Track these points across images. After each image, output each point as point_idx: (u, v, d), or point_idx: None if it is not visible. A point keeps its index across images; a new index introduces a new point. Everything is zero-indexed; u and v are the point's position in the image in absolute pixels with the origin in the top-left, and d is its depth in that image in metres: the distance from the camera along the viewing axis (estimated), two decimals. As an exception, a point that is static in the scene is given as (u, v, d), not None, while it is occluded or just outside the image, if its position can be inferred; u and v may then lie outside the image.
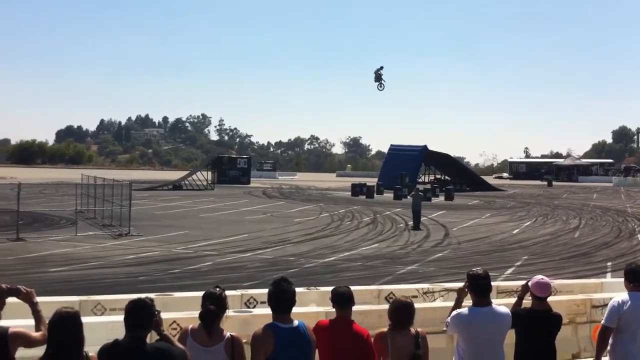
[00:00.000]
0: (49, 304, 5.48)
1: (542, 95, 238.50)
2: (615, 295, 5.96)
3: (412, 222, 27.03)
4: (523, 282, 5.90)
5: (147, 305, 4.16)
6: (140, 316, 4.10)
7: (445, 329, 5.38)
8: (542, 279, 5.58)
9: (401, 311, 4.96)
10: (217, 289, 4.63)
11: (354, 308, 5.13)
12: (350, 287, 5.25)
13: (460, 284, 5.56)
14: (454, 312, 5.20)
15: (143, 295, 4.37)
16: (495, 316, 5.15)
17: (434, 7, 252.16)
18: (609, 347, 5.71)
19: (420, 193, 29.49)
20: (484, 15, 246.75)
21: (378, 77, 40.76)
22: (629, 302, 5.63)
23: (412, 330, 4.97)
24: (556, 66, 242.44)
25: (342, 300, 5.01)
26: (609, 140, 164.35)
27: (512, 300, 6.13)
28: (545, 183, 76.50)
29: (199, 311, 4.53)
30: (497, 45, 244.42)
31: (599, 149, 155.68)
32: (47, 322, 3.98)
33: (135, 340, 4.04)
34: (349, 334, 4.87)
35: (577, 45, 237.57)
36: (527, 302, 5.69)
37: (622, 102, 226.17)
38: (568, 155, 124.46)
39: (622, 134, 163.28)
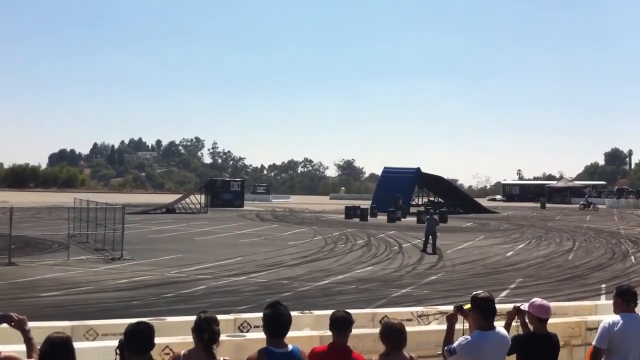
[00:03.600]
0: (41, 329, 5.43)
1: (535, 118, 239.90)
2: (608, 317, 5.95)
3: (430, 245, 26.23)
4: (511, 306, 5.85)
5: (149, 327, 4.16)
6: (144, 339, 4.12)
7: (440, 352, 5.32)
8: (542, 301, 5.53)
9: (396, 335, 4.94)
10: (206, 312, 4.61)
11: (348, 332, 5.10)
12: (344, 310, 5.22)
13: (451, 308, 5.51)
14: (463, 340, 5.04)
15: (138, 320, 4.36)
16: (500, 339, 5.14)
17: (425, 28, 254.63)
18: None
19: (435, 217, 28.91)
20: (476, 36, 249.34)
21: None
22: (620, 323, 5.62)
23: (407, 354, 4.95)
24: (547, 88, 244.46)
25: (341, 324, 4.97)
26: (602, 162, 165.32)
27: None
28: (539, 205, 76.64)
29: (207, 336, 4.42)
30: (490, 68, 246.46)
31: (591, 171, 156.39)
32: (39, 348, 3.95)
33: None
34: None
35: (569, 68, 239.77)
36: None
37: (614, 123, 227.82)
38: (561, 178, 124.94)
39: (615, 156, 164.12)
